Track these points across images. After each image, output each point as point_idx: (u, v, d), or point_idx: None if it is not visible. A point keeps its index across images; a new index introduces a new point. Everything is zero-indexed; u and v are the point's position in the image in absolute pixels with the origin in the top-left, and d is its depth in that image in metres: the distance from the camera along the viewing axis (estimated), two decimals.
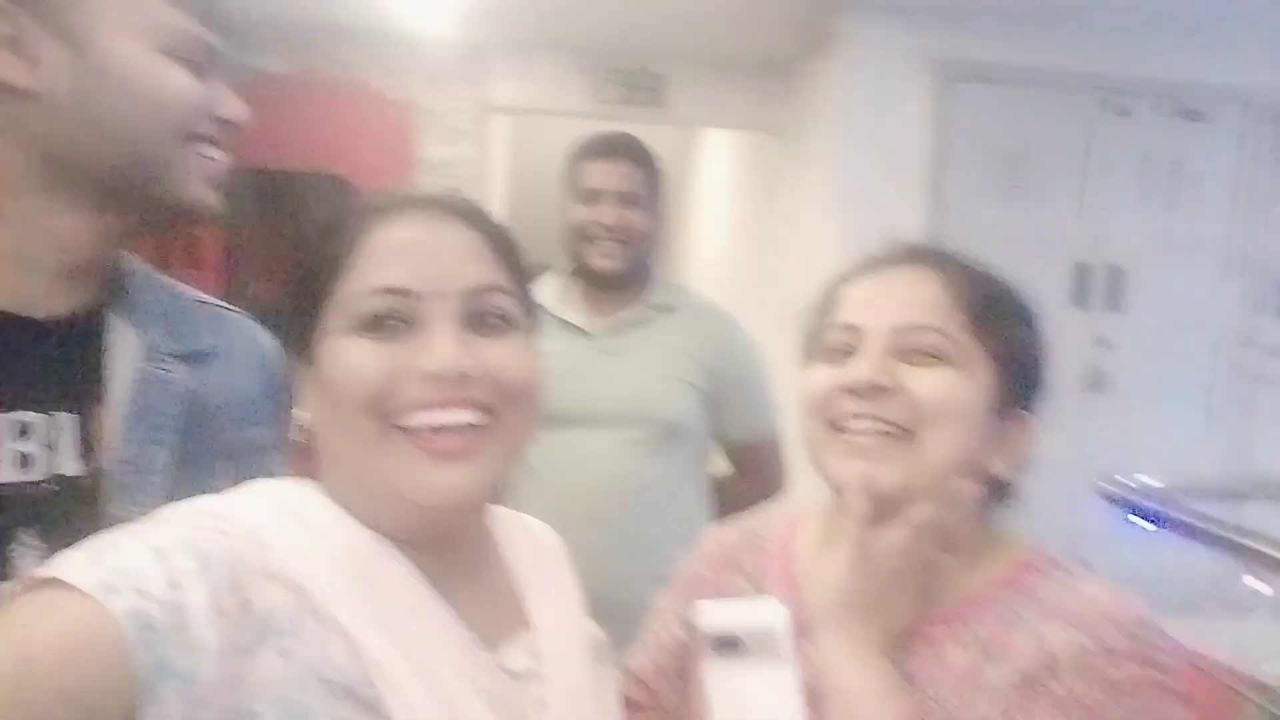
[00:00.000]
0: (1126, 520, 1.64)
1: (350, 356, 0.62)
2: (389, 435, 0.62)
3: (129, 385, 0.80)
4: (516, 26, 3.73)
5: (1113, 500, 1.64)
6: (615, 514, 1.54)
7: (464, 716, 0.59)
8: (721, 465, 1.78)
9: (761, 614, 0.69)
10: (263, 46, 3.78)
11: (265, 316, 0.95)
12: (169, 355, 0.83)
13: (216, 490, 0.65)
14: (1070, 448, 3.25)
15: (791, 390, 0.88)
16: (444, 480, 0.62)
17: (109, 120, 0.75)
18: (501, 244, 0.69)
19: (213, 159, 0.82)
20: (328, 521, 0.62)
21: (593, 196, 1.63)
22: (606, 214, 1.61)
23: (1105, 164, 3.29)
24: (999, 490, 0.83)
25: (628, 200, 1.63)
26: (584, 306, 1.67)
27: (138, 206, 0.80)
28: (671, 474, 1.58)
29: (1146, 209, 3.31)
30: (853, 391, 0.77)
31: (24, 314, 0.78)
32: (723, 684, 0.69)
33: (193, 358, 0.85)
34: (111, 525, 0.57)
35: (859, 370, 0.76)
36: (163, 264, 0.92)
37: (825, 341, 0.83)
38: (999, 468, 0.80)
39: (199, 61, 0.79)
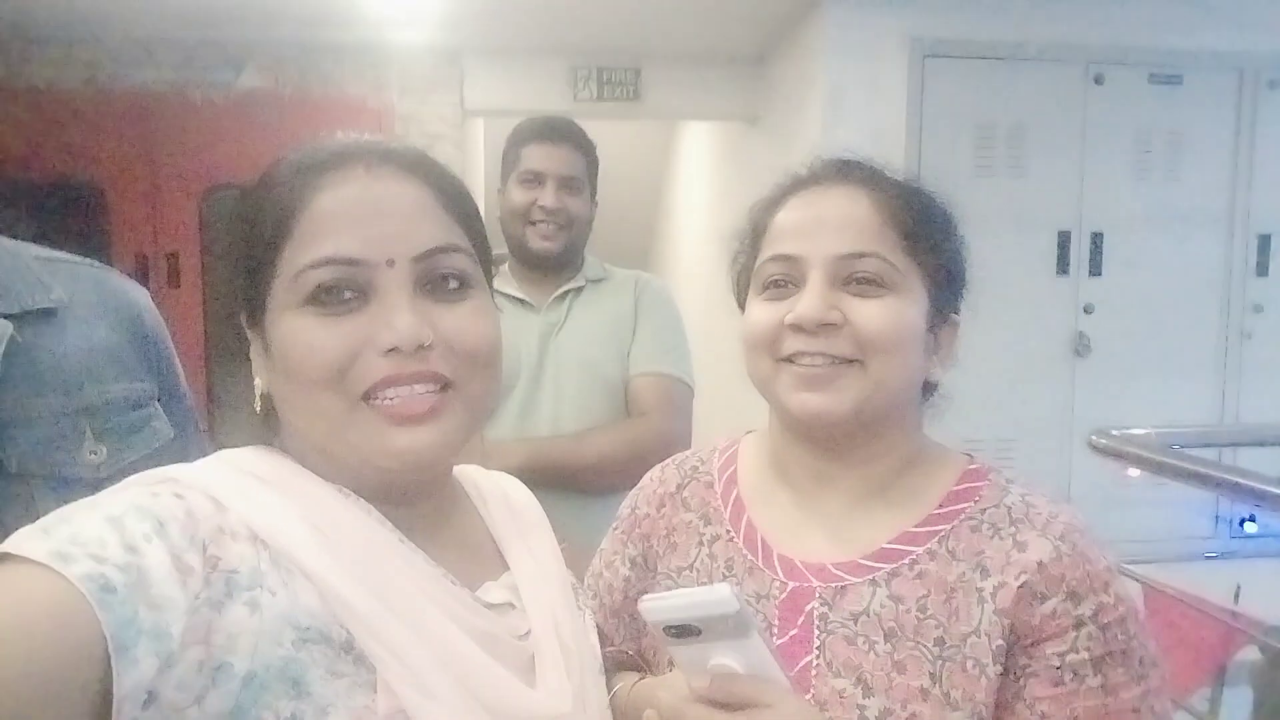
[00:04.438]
0: (1124, 473, 1.65)
1: (305, 335, 0.60)
2: (352, 407, 0.61)
3: None
4: (491, 31, 3.73)
5: (1106, 453, 1.65)
6: None
7: (443, 647, 0.59)
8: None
9: (712, 600, 0.61)
10: (240, 63, 3.78)
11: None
12: None
13: (74, 445, 0.68)
14: (1060, 409, 3.29)
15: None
16: (407, 442, 0.61)
17: None
18: (453, 197, 0.65)
19: None
20: (287, 479, 0.62)
21: (534, 179, 1.65)
22: (547, 196, 1.64)
23: (1081, 134, 3.32)
24: (928, 391, 0.85)
25: (567, 184, 1.66)
26: (523, 286, 1.70)
27: None
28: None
29: (1126, 175, 3.33)
30: (800, 329, 0.77)
31: None
32: (689, 659, 0.65)
33: (26, 317, 0.83)
34: None
35: (806, 309, 0.76)
36: (141, 280, 0.90)
37: (762, 274, 0.82)
38: (935, 373, 0.82)
39: None
